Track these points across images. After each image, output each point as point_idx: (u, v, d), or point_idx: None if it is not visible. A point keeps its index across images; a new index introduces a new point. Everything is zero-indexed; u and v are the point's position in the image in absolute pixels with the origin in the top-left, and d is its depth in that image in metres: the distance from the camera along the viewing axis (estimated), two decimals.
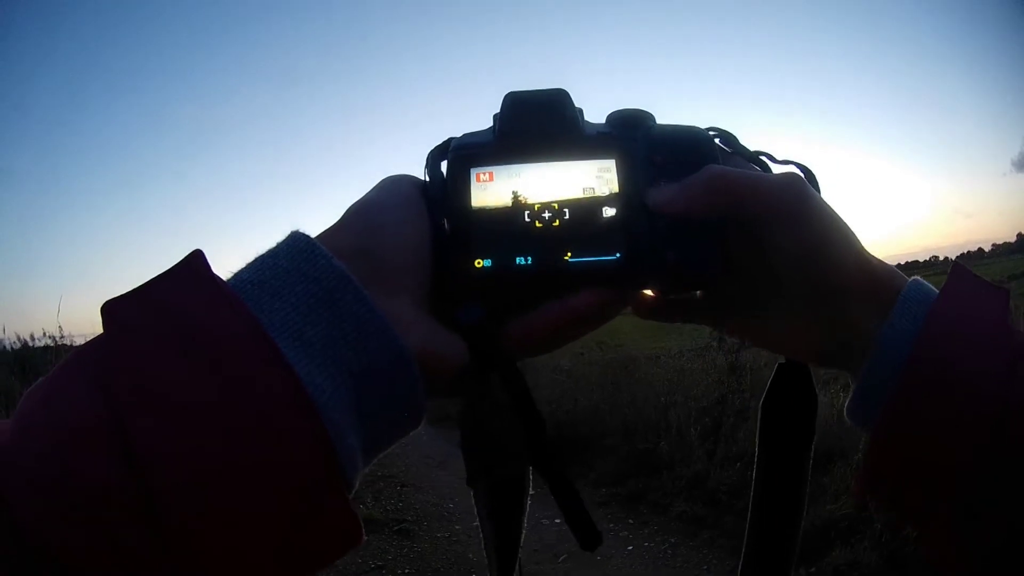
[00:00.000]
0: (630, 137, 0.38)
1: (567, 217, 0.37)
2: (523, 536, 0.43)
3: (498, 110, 0.39)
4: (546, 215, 0.37)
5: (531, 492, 0.43)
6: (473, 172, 0.37)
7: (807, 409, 0.43)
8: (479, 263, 0.37)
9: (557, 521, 3.70)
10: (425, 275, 0.35)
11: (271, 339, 0.28)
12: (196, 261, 0.30)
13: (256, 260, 0.31)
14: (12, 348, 5.85)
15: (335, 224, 0.35)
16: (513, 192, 0.37)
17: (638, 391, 5.26)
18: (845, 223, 0.37)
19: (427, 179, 0.38)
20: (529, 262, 0.37)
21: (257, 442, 0.26)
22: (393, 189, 0.37)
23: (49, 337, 5.75)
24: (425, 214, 0.36)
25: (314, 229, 0.34)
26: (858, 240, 0.37)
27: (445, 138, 0.40)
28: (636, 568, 3.30)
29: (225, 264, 0.31)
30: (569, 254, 0.37)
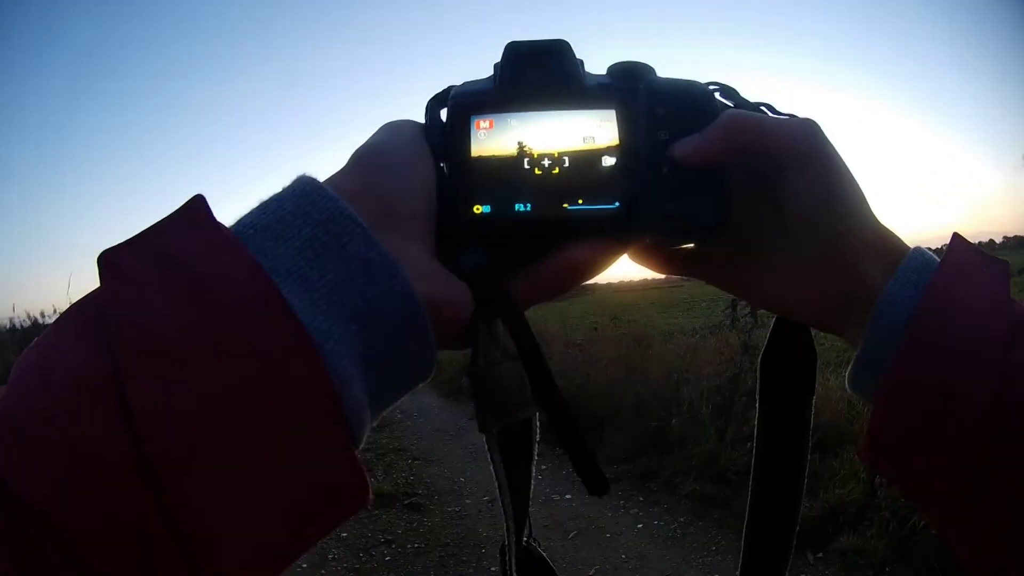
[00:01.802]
0: (631, 88, 0.38)
1: (567, 165, 0.37)
2: (533, 487, 0.44)
3: (499, 60, 0.39)
4: (546, 163, 0.37)
5: (538, 439, 0.43)
6: (473, 120, 0.37)
7: (807, 362, 0.43)
8: (478, 209, 0.37)
9: (568, 497, 3.76)
10: (432, 221, 0.35)
11: (273, 283, 0.26)
12: (197, 206, 0.28)
13: (260, 204, 0.30)
14: (22, 326, 5.98)
15: (342, 168, 0.34)
16: (513, 140, 0.37)
17: (651, 368, 5.25)
18: (856, 178, 0.37)
19: (426, 126, 0.38)
20: (528, 209, 0.37)
21: (258, 391, 0.25)
22: (398, 133, 0.36)
23: (59, 315, 5.86)
24: (430, 158, 0.36)
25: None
26: (866, 198, 0.37)
27: (445, 86, 0.39)
28: (645, 547, 3.32)
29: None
30: (568, 202, 0.37)
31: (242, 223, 0.29)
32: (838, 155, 0.36)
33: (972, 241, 0.36)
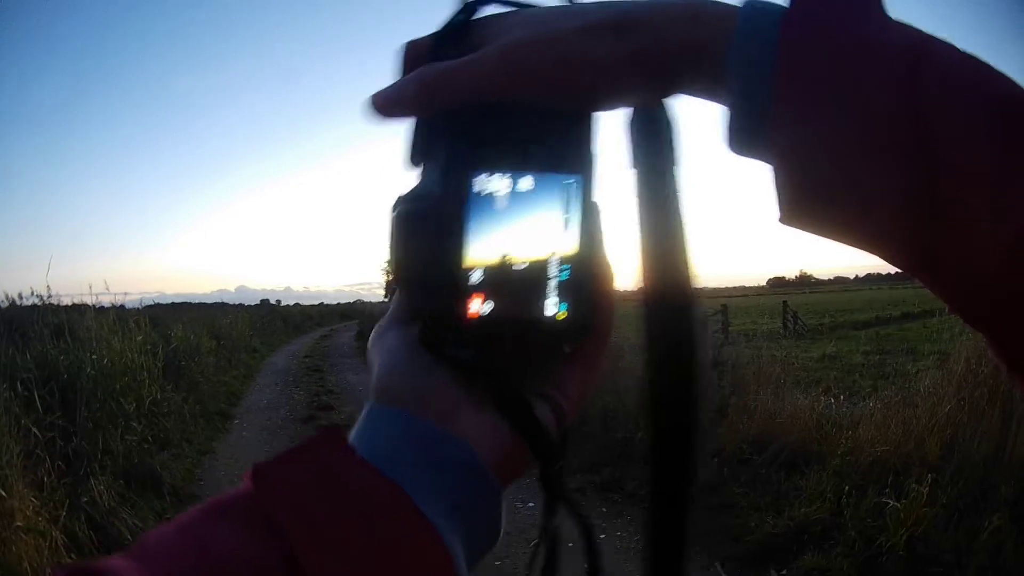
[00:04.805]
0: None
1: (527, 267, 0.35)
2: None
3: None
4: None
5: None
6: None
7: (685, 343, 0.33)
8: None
9: (531, 504, 3.72)
10: (456, 389, 0.34)
11: (412, 499, 0.30)
12: (336, 434, 0.32)
13: (358, 433, 0.33)
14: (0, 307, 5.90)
15: (376, 383, 0.35)
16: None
17: (619, 379, 5.25)
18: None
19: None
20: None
21: None
22: (392, 344, 0.36)
23: (36, 296, 5.83)
24: (423, 352, 0.35)
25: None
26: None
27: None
28: (607, 557, 3.27)
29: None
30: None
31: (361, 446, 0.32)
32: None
33: None
